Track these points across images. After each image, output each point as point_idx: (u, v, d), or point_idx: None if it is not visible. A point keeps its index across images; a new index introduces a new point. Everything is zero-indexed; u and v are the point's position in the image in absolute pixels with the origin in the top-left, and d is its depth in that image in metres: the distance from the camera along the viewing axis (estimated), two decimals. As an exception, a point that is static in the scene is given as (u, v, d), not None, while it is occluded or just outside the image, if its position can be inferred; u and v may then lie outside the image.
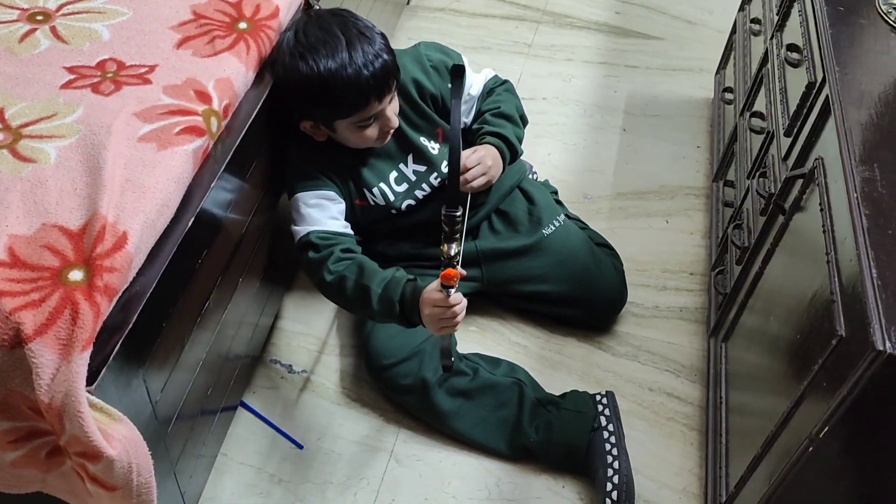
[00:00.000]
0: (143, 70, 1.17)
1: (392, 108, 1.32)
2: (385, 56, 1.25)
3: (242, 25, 1.28)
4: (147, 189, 0.98)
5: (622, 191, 1.90)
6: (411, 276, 1.27)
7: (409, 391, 1.40)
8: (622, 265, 1.60)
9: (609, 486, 1.30)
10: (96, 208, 0.93)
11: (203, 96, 1.14)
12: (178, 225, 1.02)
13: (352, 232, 1.38)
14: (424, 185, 1.45)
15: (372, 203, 1.42)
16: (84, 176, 0.98)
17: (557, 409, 1.39)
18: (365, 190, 1.41)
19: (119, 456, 0.85)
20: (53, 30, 1.22)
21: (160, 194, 0.98)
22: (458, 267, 1.17)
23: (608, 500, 1.28)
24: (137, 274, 0.95)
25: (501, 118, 1.47)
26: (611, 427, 1.37)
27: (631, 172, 1.95)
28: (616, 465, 1.32)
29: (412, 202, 1.45)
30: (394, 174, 1.42)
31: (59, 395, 0.82)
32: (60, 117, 1.06)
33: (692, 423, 1.46)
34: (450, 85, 1.38)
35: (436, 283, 1.19)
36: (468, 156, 1.37)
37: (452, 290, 1.17)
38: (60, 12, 1.26)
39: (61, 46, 1.20)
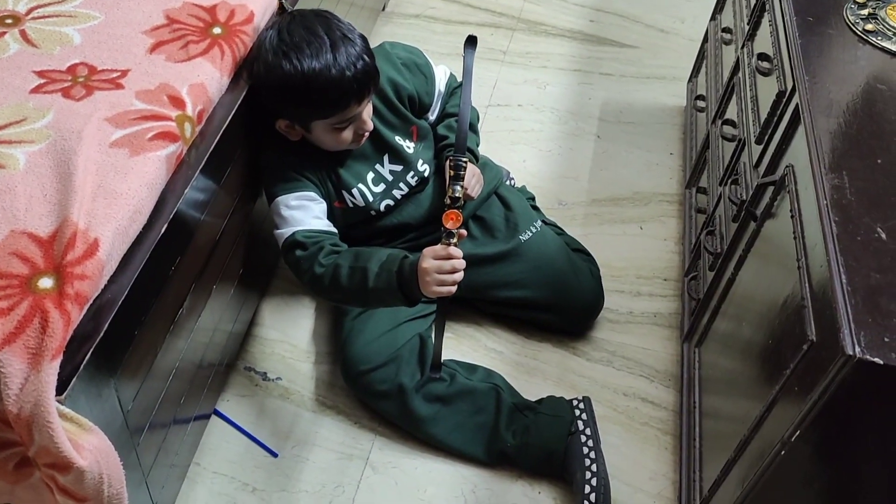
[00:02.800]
0: (115, 75, 1.15)
1: (367, 111, 1.32)
2: (366, 59, 1.25)
3: (217, 30, 1.27)
4: (119, 195, 0.96)
5: (597, 197, 1.91)
6: (407, 254, 1.27)
7: (385, 397, 1.39)
8: (599, 271, 1.61)
9: (587, 489, 1.30)
10: (67, 215, 0.92)
11: (176, 101, 1.13)
12: (150, 231, 1.01)
13: (336, 231, 1.38)
14: (402, 185, 1.46)
15: (351, 205, 1.42)
16: (54, 182, 0.96)
17: (534, 413, 1.40)
18: (343, 192, 1.40)
19: (89, 467, 0.83)
20: (23, 33, 1.21)
21: (132, 200, 0.97)
22: (458, 228, 1.23)
23: (586, 503, 1.29)
24: (109, 281, 0.93)
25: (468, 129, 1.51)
26: (588, 431, 1.38)
27: (605, 179, 1.96)
28: (594, 468, 1.33)
29: (390, 202, 1.46)
30: (371, 175, 1.42)
31: (27, 406, 0.80)
32: (30, 122, 1.05)
33: (667, 427, 1.47)
34: (463, 56, 1.41)
35: (431, 250, 1.23)
36: (469, 179, 1.41)
37: (453, 241, 1.22)
38: (31, 16, 1.24)
39: (31, 50, 1.18)
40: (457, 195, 1.29)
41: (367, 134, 1.35)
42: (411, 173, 1.46)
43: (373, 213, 1.45)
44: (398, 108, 1.42)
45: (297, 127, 1.32)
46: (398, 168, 1.44)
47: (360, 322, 1.44)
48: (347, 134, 1.31)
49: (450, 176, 1.29)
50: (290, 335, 1.59)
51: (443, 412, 1.39)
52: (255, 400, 1.47)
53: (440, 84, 1.52)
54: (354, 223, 1.45)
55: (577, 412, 1.41)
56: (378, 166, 1.43)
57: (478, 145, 1.56)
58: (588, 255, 1.63)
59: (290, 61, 1.22)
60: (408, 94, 1.44)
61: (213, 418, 1.43)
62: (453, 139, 1.47)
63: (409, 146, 1.44)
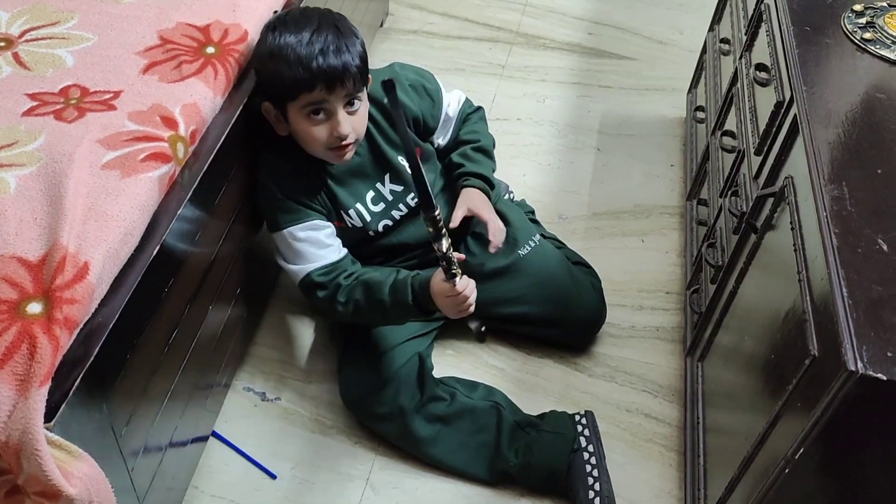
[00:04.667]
0: (107, 96, 1.15)
1: (347, 117, 1.26)
2: (349, 56, 1.22)
3: (210, 50, 1.27)
4: (110, 217, 0.96)
5: (597, 211, 1.90)
6: (413, 273, 1.31)
7: (385, 419, 1.37)
8: (600, 283, 1.60)
9: None
10: (57, 238, 0.91)
11: (169, 122, 1.12)
12: (142, 254, 1.00)
13: (345, 250, 1.38)
14: (401, 206, 1.44)
15: (349, 225, 1.41)
16: (45, 205, 0.96)
17: (537, 431, 1.38)
18: (342, 212, 1.39)
19: (79, 495, 0.82)
20: (16, 56, 1.21)
21: (123, 223, 0.96)
22: (453, 254, 1.20)
23: None
24: (100, 305, 0.92)
25: (481, 154, 1.51)
26: (591, 448, 1.36)
27: (606, 192, 1.95)
28: (597, 486, 1.31)
29: (389, 222, 1.44)
30: (371, 194, 1.41)
31: (16, 433, 0.79)
32: (21, 145, 1.04)
33: (670, 443, 1.45)
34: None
35: (439, 274, 1.23)
36: (495, 229, 1.42)
37: (457, 279, 1.21)
38: (23, 38, 1.24)
39: (24, 73, 1.18)
40: (444, 249, 1.18)
41: (348, 148, 1.29)
42: (411, 195, 1.44)
43: (371, 233, 1.43)
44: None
45: (278, 113, 1.28)
46: (399, 188, 1.43)
47: (357, 343, 1.42)
48: (321, 131, 1.26)
49: (430, 233, 1.17)
50: (288, 354, 1.57)
51: (443, 432, 1.37)
52: (253, 420, 1.46)
53: (449, 109, 1.50)
54: (353, 243, 1.44)
55: (580, 427, 1.39)
56: (379, 185, 1.42)
57: (493, 171, 1.54)
58: (589, 267, 1.61)
59: (273, 33, 1.23)
60: (412, 116, 1.42)
61: (212, 440, 1.41)
62: (469, 167, 1.47)
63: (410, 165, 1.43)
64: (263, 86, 1.28)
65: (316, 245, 1.34)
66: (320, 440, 1.43)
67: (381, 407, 1.37)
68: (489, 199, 1.48)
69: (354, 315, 1.34)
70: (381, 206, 1.42)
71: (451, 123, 1.51)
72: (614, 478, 1.36)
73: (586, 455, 1.35)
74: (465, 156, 1.49)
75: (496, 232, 1.43)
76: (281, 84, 1.23)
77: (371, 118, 1.36)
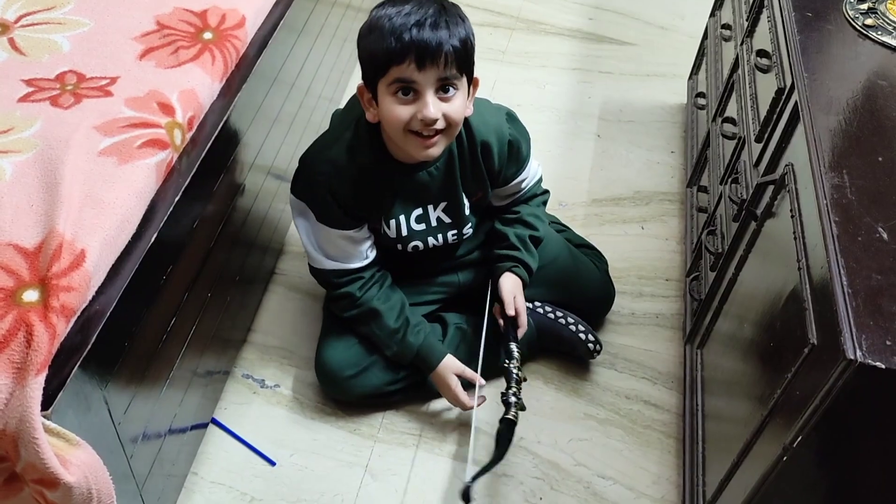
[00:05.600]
0: (104, 82, 1.14)
1: (438, 102, 1.15)
2: (446, 33, 1.12)
3: (208, 35, 1.26)
4: (106, 204, 0.95)
5: (597, 197, 1.89)
6: (427, 330, 1.39)
7: (364, 396, 1.43)
8: (606, 265, 1.59)
9: (581, 335, 1.47)
10: (53, 225, 0.91)
11: (166, 108, 1.11)
12: (140, 241, 1.00)
13: (372, 256, 1.37)
14: (440, 236, 1.39)
15: (382, 232, 1.35)
16: (41, 192, 0.95)
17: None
18: (383, 218, 1.33)
19: (77, 482, 0.82)
20: (11, 41, 1.20)
21: (120, 210, 0.96)
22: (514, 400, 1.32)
23: (589, 345, 1.47)
24: (97, 292, 0.92)
25: (535, 245, 1.46)
26: (554, 314, 1.51)
27: (606, 179, 1.94)
28: (571, 320, 1.48)
29: (420, 245, 1.38)
30: (418, 211, 1.34)
31: (13, 421, 0.79)
32: (17, 132, 1.04)
33: (670, 430, 1.45)
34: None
35: (453, 362, 1.36)
36: (510, 302, 1.40)
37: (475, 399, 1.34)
38: (19, 23, 1.23)
39: (19, 58, 1.17)
40: (510, 401, 1.33)
41: (435, 138, 1.18)
42: (453, 232, 1.39)
43: (399, 247, 1.38)
44: (479, 166, 1.34)
45: (369, 96, 1.20)
46: (447, 220, 1.37)
47: (335, 329, 1.43)
48: (405, 111, 1.15)
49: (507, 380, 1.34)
50: (288, 342, 1.57)
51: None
52: (252, 408, 1.46)
53: (524, 182, 1.43)
54: (380, 248, 1.39)
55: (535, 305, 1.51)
56: (430, 207, 1.35)
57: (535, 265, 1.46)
58: (592, 248, 1.61)
59: (378, 8, 1.15)
60: (491, 164, 1.35)
61: (211, 427, 1.41)
62: (523, 256, 1.42)
63: (468, 205, 1.38)
64: (362, 64, 1.19)
65: (344, 250, 1.32)
66: (319, 427, 1.43)
67: (360, 389, 1.41)
68: (523, 283, 1.44)
69: (351, 323, 1.39)
70: (423, 226, 1.36)
71: (516, 195, 1.45)
72: (614, 464, 1.36)
73: (552, 316, 1.50)
74: (524, 243, 1.43)
75: (524, 325, 1.42)
76: (373, 57, 1.15)
77: (464, 145, 1.30)
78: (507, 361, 1.35)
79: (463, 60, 1.15)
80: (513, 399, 1.32)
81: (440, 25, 1.12)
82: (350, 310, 1.37)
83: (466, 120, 1.26)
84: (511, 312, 1.39)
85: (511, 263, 1.41)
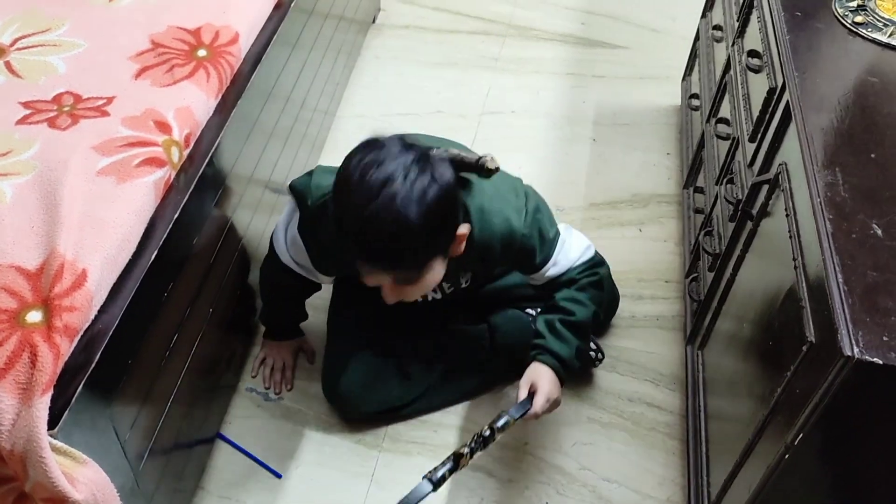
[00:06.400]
0: (100, 102, 1.15)
1: (396, 287, 1.10)
2: (378, 247, 1.01)
3: (202, 53, 1.27)
4: (106, 224, 0.96)
5: (594, 201, 1.90)
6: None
7: (377, 413, 1.43)
8: (608, 269, 1.59)
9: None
10: (54, 246, 0.91)
11: (163, 126, 1.12)
12: (140, 259, 1.01)
13: (328, 282, 1.41)
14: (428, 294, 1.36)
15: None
16: (41, 213, 0.96)
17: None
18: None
19: (85, 500, 0.83)
20: (8, 65, 1.21)
21: (120, 229, 0.97)
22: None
23: (590, 353, 1.49)
24: (99, 311, 0.93)
25: (570, 329, 1.31)
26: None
27: (602, 182, 1.95)
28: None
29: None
30: None
31: (20, 442, 0.80)
32: (16, 154, 1.05)
33: (673, 432, 1.45)
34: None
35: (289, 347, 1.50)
36: (541, 402, 1.27)
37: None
38: (15, 47, 1.24)
39: (16, 81, 1.18)
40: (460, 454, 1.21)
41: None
42: (448, 284, 1.36)
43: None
44: (480, 263, 1.27)
45: None
46: (443, 283, 1.35)
47: (343, 347, 1.43)
48: (368, 279, 1.09)
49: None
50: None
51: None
52: (257, 421, 1.46)
53: (549, 272, 1.31)
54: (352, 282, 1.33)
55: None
56: None
57: (582, 347, 1.35)
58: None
59: (350, 161, 1.02)
60: (495, 264, 1.33)
61: (218, 440, 1.42)
62: (548, 343, 1.31)
63: (465, 280, 1.38)
64: None
65: (310, 270, 1.32)
66: (324, 438, 1.44)
67: (373, 407, 1.42)
68: (559, 377, 1.31)
69: (261, 276, 1.43)
70: None
71: (548, 279, 1.34)
72: (618, 467, 1.37)
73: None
74: (552, 328, 1.32)
75: (539, 408, 1.28)
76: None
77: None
78: (493, 424, 1.24)
79: (410, 260, 1.05)
80: (466, 450, 1.21)
81: (371, 239, 1.00)
82: (270, 276, 1.39)
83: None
84: (523, 396, 1.28)
85: (536, 352, 1.33)
